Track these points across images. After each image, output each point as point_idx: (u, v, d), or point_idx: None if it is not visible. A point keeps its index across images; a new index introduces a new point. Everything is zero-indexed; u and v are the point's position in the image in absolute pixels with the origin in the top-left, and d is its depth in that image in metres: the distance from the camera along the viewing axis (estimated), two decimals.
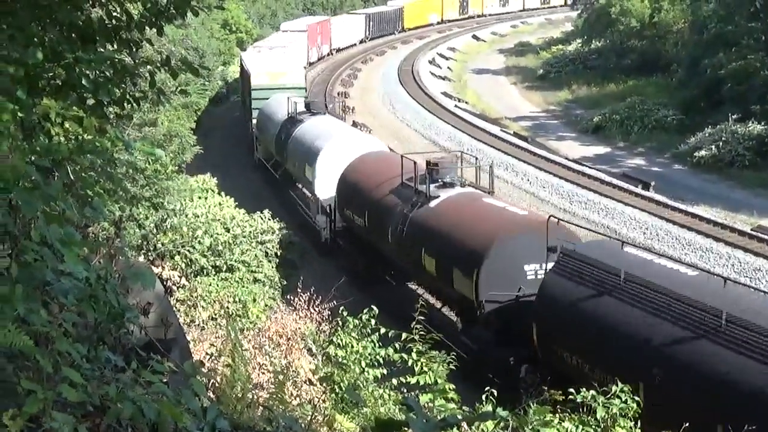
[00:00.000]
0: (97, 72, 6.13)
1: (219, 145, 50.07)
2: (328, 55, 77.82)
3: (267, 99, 43.57)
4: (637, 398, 10.04)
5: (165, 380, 4.31)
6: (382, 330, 12.84)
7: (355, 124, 46.52)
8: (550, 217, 20.84)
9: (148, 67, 6.46)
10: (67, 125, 5.45)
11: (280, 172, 40.68)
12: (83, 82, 6.01)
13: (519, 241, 20.70)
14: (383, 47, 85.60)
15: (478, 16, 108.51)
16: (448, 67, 77.63)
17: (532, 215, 23.41)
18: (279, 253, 30.01)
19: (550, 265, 19.03)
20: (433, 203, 24.08)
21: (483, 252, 20.52)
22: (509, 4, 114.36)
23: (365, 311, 13.15)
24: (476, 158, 31.13)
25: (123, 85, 6.37)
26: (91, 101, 6.14)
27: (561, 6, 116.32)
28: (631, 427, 9.44)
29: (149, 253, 22.46)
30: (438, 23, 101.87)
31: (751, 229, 31.23)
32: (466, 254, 21.20)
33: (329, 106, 40.02)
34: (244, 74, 50.45)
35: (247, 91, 47.65)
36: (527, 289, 19.80)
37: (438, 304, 24.53)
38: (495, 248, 20.47)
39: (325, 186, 31.79)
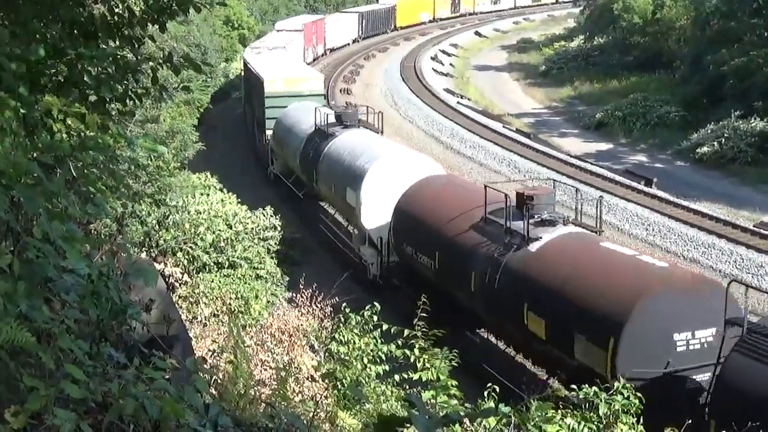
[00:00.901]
0: (100, 68, 6.12)
1: (226, 158, 49.98)
2: (323, 55, 74.81)
3: (284, 108, 39.49)
4: (639, 394, 10.04)
5: (167, 377, 4.31)
6: (385, 326, 12.85)
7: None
8: (731, 281, 16.51)
9: (151, 63, 6.46)
10: (69, 122, 5.44)
11: (305, 191, 36.67)
12: (85, 78, 6.01)
13: (667, 303, 16.30)
14: (385, 44, 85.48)
15: (470, 14, 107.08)
16: (451, 64, 77.56)
17: (677, 269, 19.42)
18: (281, 250, 30.00)
19: (707, 333, 15.97)
20: (533, 246, 19.56)
21: (622, 316, 16.06)
22: (500, 2, 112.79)
23: (367, 308, 13.16)
24: (576, 189, 25.57)
25: (125, 82, 6.37)
26: (93, 98, 6.14)
27: (552, 3, 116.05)
28: (633, 424, 9.44)
29: (151, 250, 22.45)
30: (430, 21, 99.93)
31: (754, 226, 31.24)
32: (596, 318, 16.77)
33: (362, 118, 34.59)
34: (253, 79, 45.73)
35: (257, 98, 43.15)
36: (676, 363, 15.88)
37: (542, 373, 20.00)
38: (638, 311, 16.05)
39: (372, 214, 27.63)
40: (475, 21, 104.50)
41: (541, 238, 19.60)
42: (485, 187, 22.07)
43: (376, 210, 27.41)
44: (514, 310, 18.96)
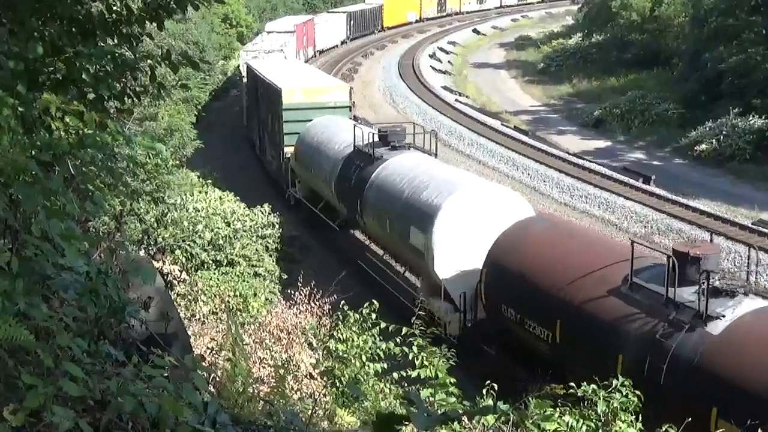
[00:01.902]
0: (98, 66, 6.12)
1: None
2: (313, 57, 70.79)
3: (305, 122, 34.82)
4: (637, 392, 10.05)
5: (166, 375, 4.31)
6: (383, 324, 12.87)
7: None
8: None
9: (149, 61, 6.45)
10: (67, 120, 5.44)
11: (341, 221, 31.96)
12: (83, 76, 6.00)
13: None
14: (383, 41, 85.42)
15: (456, 13, 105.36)
16: (449, 61, 77.54)
17: None
18: (279, 247, 30.00)
19: None
20: (715, 327, 14.67)
21: None
22: (486, 1, 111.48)
23: (366, 305, 13.18)
24: (751, 247, 22.01)
25: (123, 80, 6.36)
26: (91, 96, 6.13)
27: (538, 2, 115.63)
28: (632, 421, 9.44)
29: (150, 248, 22.47)
30: (416, 21, 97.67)
31: (752, 223, 31.24)
32: None
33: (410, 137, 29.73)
34: (263, 88, 40.51)
35: (271, 110, 38.37)
36: None
37: None
38: None
39: (449, 262, 22.28)
40: (465, 20, 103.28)
41: (723, 316, 14.69)
42: (632, 242, 17.08)
43: (453, 257, 22.18)
44: (694, 414, 11.96)
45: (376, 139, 28.68)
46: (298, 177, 35.73)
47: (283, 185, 37.32)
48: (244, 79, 49.81)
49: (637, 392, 10.02)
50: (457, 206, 22.27)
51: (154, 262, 13.64)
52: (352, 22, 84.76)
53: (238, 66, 57.23)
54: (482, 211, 22.06)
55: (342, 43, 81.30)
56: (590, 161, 40.99)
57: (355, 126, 30.06)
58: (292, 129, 35.10)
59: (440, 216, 22.19)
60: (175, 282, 17.03)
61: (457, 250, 22.05)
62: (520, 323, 19.23)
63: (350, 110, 36.06)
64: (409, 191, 24.37)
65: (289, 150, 35.49)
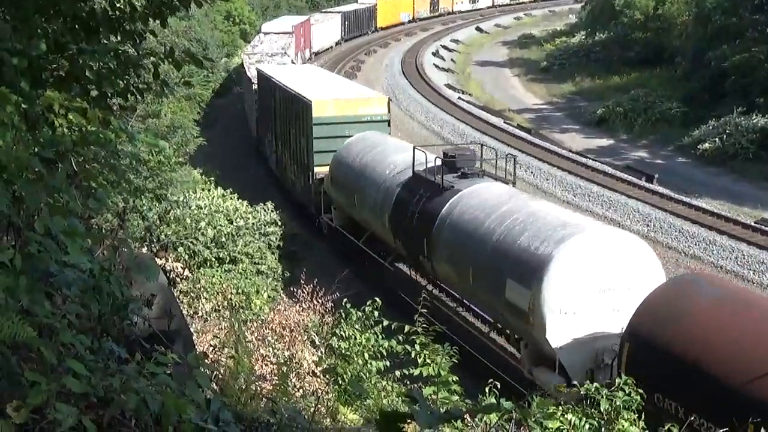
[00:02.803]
0: (101, 63, 6.12)
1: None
2: (309, 60, 67.03)
3: (339, 138, 30.89)
4: (640, 391, 10.04)
5: (169, 372, 4.31)
6: (385, 322, 12.87)
7: None
8: None
9: (152, 58, 6.45)
10: (70, 117, 5.44)
11: (394, 259, 27.33)
12: (87, 73, 6.01)
13: None
14: (386, 39, 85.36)
15: (449, 13, 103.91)
16: (452, 59, 77.54)
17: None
18: (282, 245, 29.99)
19: None
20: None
21: None
22: (478, 1, 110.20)
23: (368, 303, 13.18)
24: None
25: (126, 77, 6.36)
26: (94, 93, 6.14)
27: (530, 2, 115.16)
28: (634, 420, 9.44)
29: (152, 245, 22.48)
30: (409, 22, 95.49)
31: (755, 222, 31.23)
32: None
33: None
34: (284, 98, 36.15)
35: (296, 124, 33.92)
36: None
37: None
38: None
39: (563, 327, 17.48)
40: (468, 19, 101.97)
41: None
42: None
43: (570, 321, 17.53)
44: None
45: (435, 163, 23.69)
46: (335, 203, 30.63)
47: (312, 210, 32.43)
48: (253, 86, 45.06)
49: (640, 391, 10.01)
50: (574, 257, 17.55)
51: (157, 260, 13.65)
52: (346, 23, 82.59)
53: (241, 63, 55.88)
54: (606, 262, 17.66)
55: (336, 44, 79.07)
56: (593, 160, 40.98)
57: (414, 148, 25.08)
58: (323, 147, 30.96)
59: (552, 269, 17.41)
60: (178, 279, 17.07)
61: (576, 313, 17.51)
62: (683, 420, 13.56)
63: (389, 125, 31.78)
64: (499, 233, 19.54)
65: (320, 170, 31.09)
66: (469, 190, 22.27)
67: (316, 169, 31.29)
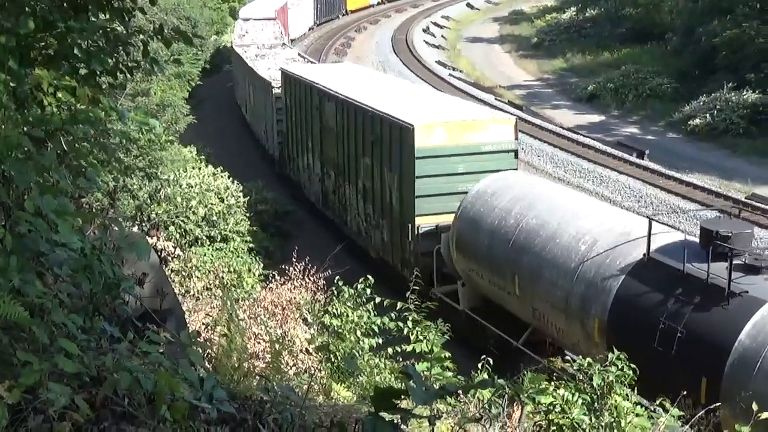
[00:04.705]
0: (90, 41, 6.07)
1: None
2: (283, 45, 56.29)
3: (450, 177, 22.95)
4: (633, 365, 10.07)
5: (161, 350, 4.31)
6: (378, 299, 12.89)
7: None
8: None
9: (141, 36, 6.41)
10: (59, 95, 5.40)
11: None
12: (75, 51, 5.96)
13: None
14: (376, 16, 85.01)
15: None
16: (443, 36, 77.32)
17: None
18: (274, 223, 30.00)
19: None
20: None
21: None
22: None
23: (360, 280, 13.19)
24: None
25: (116, 55, 6.32)
26: (83, 71, 6.09)
27: None
28: (627, 394, 9.47)
29: (143, 224, 22.45)
30: (378, 4, 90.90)
31: (746, 197, 31.32)
32: None
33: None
34: (340, 112, 28.32)
35: (380, 155, 25.38)
36: None
37: None
38: None
39: None
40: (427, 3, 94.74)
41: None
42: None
43: None
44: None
45: (669, 239, 16.41)
46: (465, 276, 21.66)
47: (406, 273, 22.37)
48: (273, 93, 36.17)
49: (633, 365, 10.05)
50: None
51: (148, 239, 13.62)
52: (319, 6, 78.00)
53: (231, 44, 53.42)
54: None
55: (309, 29, 74.55)
56: (584, 136, 40.97)
57: (650, 219, 16.29)
58: (430, 188, 23.00)
59: None
60: (169, 258, 17.03)
61: None
62: None
63: (516, 156, 23.75)
64: None
65: (424, 222, 23.12)
66: None
67: (419, 221, 23.10)
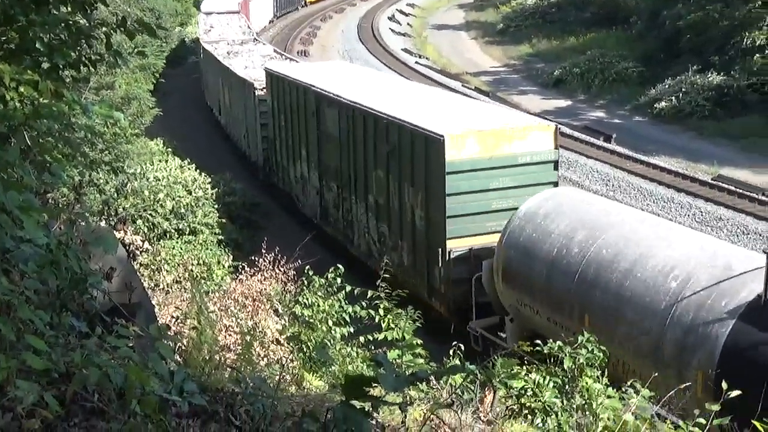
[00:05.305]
0: (52, 35, 6.01)
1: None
2: (255, 41, 53.78)
3: (490, 194, 20.51)
4: (603, 348, 10.15)
5: (131, 345, 4.29)
6: (348, 288, 12.89)
7: None
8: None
9: (104, 28, 6.35)
10: (22, 90, 5.36)
11: None
12: (37, 45, 5.90)
13: None
14: (341, 5, 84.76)
15: None
16: (408, 24, 77.30)
17: None
18: (243, 215, 29.90)
19: None
20: None
21: None
22: None
23: (331, 270, 13.18)
24: None
25: (78, 48, 6.26)
26: (46, 65, 6.04)
27: None
28: (598, 377, 9.55)
29: (110, 218, 22.30)
30: None
31: (712, 179, 31.62)
32: None
33: None
34: (347, 119, 25.21)
35: (399, 169, 22.41)
36: None
37: None
38: None
39: None
40: None
41: None
42: None
43: None
44: None
45: None
46: (514, 312, 18.88)
47: (434, 302, 20.93)
48: (254, 95, 33.72)
49: (603, 348, 10.12)
50: None
51: (116, 233, 13.54)
52: None
53: (199, 40, 51.91)
54: None
55: (270, 22, 72.71)
56: (551, 120, 41.06)
57: None
58: (461, 207, 20.32)
59: None
60: (138, 252, 16.94)
61: None
62: None
63: (555, 167, 20.98)
64: None
65: (457, 246, 20.40)
66: None
67: (451, 244, 20.37)
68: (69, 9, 6.33)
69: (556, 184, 20.56)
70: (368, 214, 24.35)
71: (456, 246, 20.26)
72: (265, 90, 32.73)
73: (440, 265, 20.47)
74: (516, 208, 19.16)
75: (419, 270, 21.60)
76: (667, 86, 44.85)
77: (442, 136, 20.04)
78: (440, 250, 20.37)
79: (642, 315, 14.98)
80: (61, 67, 6.09)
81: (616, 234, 16.60)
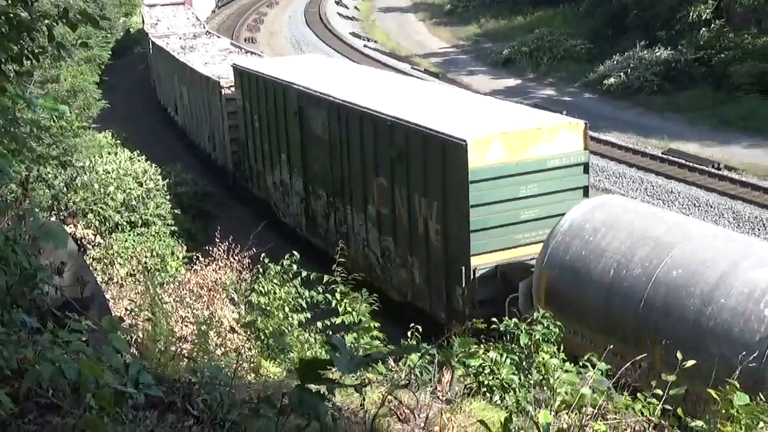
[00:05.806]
0: None
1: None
2: (208, 33, 50.42)
3: (517, 203, 18.32)
4: (558, 323, 10.25)
5: (84, 339, 4.25)
6: (304, 273, 12.87)
7: None
8: None
9: (46, 20, 6.27)
10: None
11: None
12: None
13: None
14: None
15: None
16: (356, 7, 77.11)
17: None
18: (195, 204, 29.73)
19: None
20: None
21: None
22: None
23: (286, 257, 13.15)
24: None
25: (20, 41, 6.17)
26: None
27: None
28: (554, 352, 9.64)
29: (61, 213, 22.07)
30: None
31: (662, 153, 31.98)
32: None
33: None
34: (345, 122, 22.47)
35: (409, 178, 19.95)
36: None
37: None
38: None
39: None
40: None
41: None
42: None
43: None
44: None
45: None
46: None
47: (456, 325, 16.91)
48: (221, 95, 31.04)
49: (558, 323, 10.22)
50: None
51: (66, 227, 13.40)
52: None
53: (143, 26, 50.82)
54: None
55: (212, 12, 71.34)
56: (502, 100, 41.23)
57: None
58: (487, 220, 18.06)
59: None
60: (90, 246, 16.79)
61: None
62: None
63: (585, 170, 18.79)
64: None
65: (481, 263, 18.12)
66: None
67: (476, 261, 18.11)
68: (9, 1, 6.24)
69: (586, 189, 18.69)
70: (368, 226, 21.90)
71: (481, 263, 18.02)
72: (232, 88, 30.25)
73: (463, 284, 18.12)
74: (545, 218, 17.76)
75: (435, 289, 19.29)
76: (615, 62, 45.19)
77: (465, 140, 17.61)
78: (463, 268, 18.06)
79: (731, 349, 12.60)
80: (2, 61, 6.01)
81: (685, 251, 14.40)
